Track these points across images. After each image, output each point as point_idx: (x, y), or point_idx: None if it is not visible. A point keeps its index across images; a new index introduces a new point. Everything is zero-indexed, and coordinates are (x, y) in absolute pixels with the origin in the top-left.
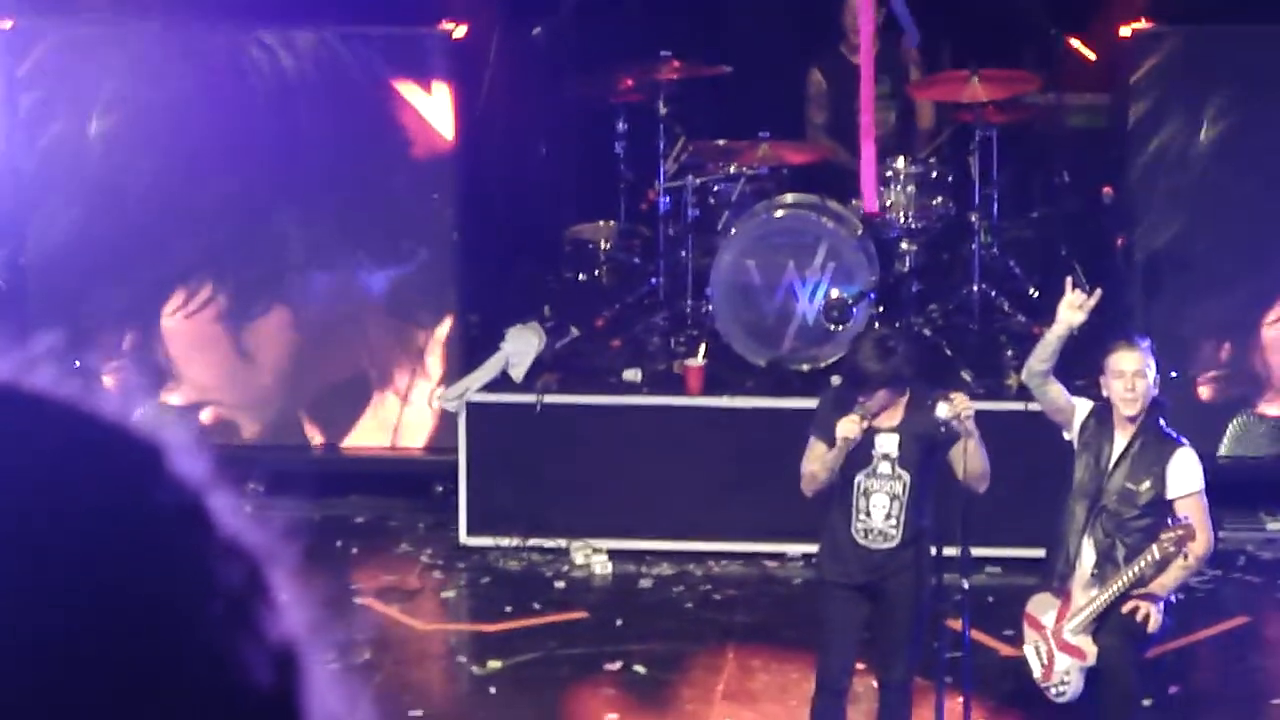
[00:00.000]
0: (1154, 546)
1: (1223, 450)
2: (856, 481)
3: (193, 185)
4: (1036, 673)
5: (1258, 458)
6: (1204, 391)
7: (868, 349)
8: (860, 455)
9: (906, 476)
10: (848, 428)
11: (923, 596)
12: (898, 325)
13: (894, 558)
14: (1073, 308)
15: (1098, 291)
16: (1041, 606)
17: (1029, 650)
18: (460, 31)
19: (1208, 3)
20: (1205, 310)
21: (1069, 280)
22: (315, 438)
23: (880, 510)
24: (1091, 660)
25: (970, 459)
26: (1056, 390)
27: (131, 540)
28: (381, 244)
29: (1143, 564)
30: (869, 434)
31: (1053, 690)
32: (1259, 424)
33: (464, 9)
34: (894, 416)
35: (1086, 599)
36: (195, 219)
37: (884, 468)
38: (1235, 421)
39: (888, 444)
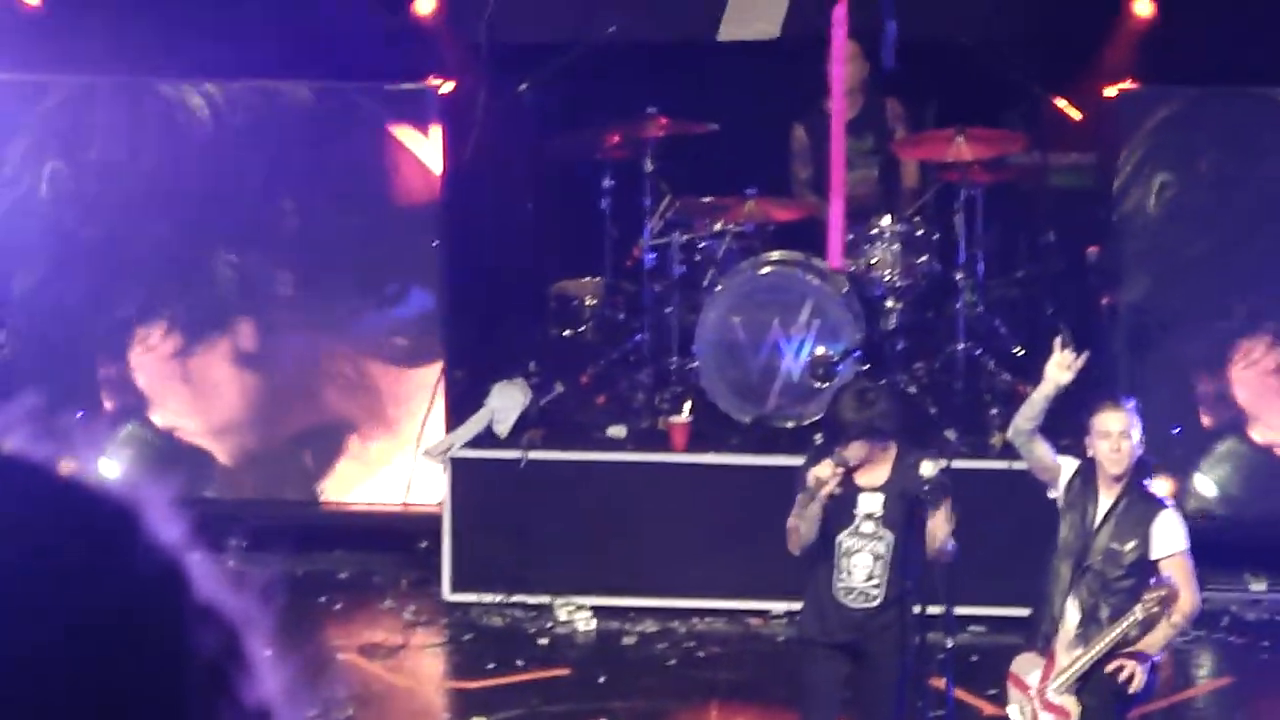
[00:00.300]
0: (1137, 607)
1: (1204, 467)
2: (839, 540)
3: (185, 229)
4: None
5: (1237, 516)
6: (1205, 421)
7: (847, 399)
8: (843, 514)
9: (890, 536)
10: (821, 470)
11: (905, 656)
12: (882, 383)
13: (875, 618)
14: (1061, 367)
15: (1085, 352)
16: (1026, 666)
17: (1013, 710)
18: (448, 87)
19: (1192, 64)
20: (1189, 362)
21: (1058, 340)
22: (303, 488)
23: (862, 570)
24: None
25: (941, 525)
26: (1043, 449)
27: (108, 605)
28: (371, 292)
29: (1126, 624)
30: (852, 492)
31: None
32: (1244, 445)
33: (452, 65)
34: (878, 476)
35: (1070, 659)
36: (177, 261)
37: (867, 527)
38: (1224, 445)
39: (871, 503)
